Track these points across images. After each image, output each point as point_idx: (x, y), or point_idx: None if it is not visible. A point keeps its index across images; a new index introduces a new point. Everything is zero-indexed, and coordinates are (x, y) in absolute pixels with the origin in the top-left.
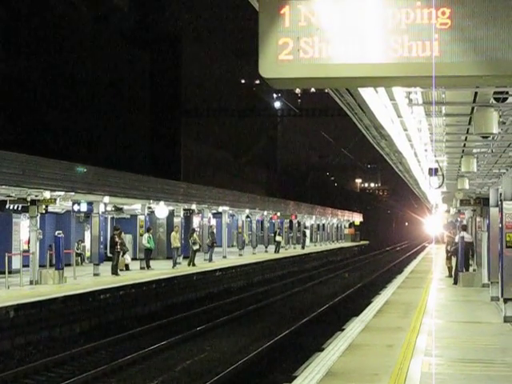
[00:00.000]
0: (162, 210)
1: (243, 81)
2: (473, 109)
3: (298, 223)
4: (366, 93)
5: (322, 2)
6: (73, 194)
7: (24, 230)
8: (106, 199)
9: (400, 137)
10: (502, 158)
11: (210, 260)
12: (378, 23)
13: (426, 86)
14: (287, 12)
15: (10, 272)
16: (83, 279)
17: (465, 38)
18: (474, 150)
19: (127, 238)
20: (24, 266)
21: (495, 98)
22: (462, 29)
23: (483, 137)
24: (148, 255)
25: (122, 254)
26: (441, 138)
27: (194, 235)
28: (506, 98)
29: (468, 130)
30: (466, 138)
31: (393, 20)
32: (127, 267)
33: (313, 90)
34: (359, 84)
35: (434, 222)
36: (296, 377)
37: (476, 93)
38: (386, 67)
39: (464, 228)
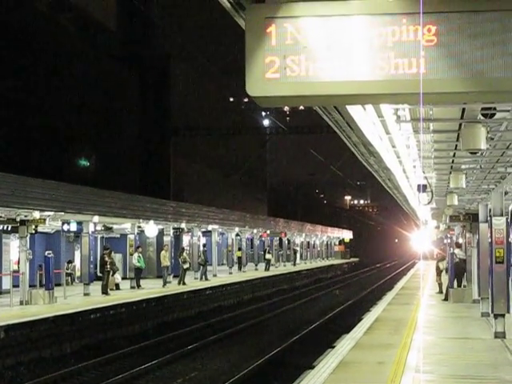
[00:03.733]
0: (151, 229)
1: (232, 99)
2: (460, 125)
3: (288, 241)
4: (354, 110)
5: (308, 20)
6: (62, 213)
7: (14, 251)
8: (96, 219)
9: (388, 153)
10: (490, 173)
11: (201, 278)
12: (365, 41)
13: (413, 102)
14: (273, 30)
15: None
16: (73, 299)
17: (451, 55)
18: (463, 166)
19: (117, 258)
20: (14, 286)
21: (483, 114)
22: (448, 46)
23: (471, 153)
24: (138, 274)
25: (111, 273)
26: (429, 154)
27: (184, 254)
28: (494, 114)
29: (456, 146)
30: (455, 154)
31: (379, 37)
32: (117, 286)
33: (301, 107)
34: (346, 102)
35: (424, 239)
36: None
37: (464, 109)
38: (372, 85)
39: (458, 245)
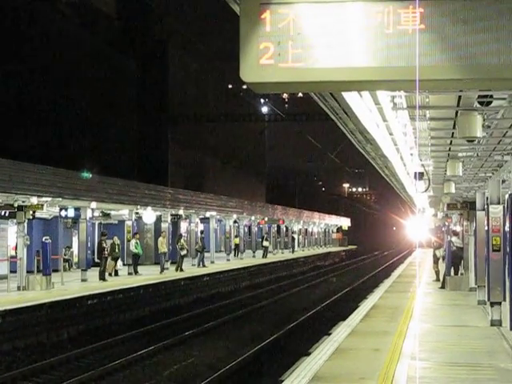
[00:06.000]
0: (149, 215)
1: (230, 86)
2: (457, 113)
3: (286, 228)
4: (350, 97)
5: (303, 6)
6: (60, 199)
7: (11, 236)
8: (94, 205)
9: (385, 141)
10: (487, 161)
11: (199, 265)
12: (359, 27)
13: (408, 89)
14: (268, 16)
15: None
16: (71, 285)
17: (444, 42)
18: (460, 154)
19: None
20: (11, 271)
21: (479, 102)
22: (442, 32)
23: (468, 141)
24: (136, 261)
25: (111, 259)
26: (426, 141)
27: (182, 240)
28: (490, 102)
29: (453, 133)
30: (451, 141)
31: (374, 23)
32: (116, 273)
33: (300, 94)
34: (341, 88)
35: (421, 227)
36: (282, 381)
37: (460, 96)
38: (367, 71)
39: (455, 233)
